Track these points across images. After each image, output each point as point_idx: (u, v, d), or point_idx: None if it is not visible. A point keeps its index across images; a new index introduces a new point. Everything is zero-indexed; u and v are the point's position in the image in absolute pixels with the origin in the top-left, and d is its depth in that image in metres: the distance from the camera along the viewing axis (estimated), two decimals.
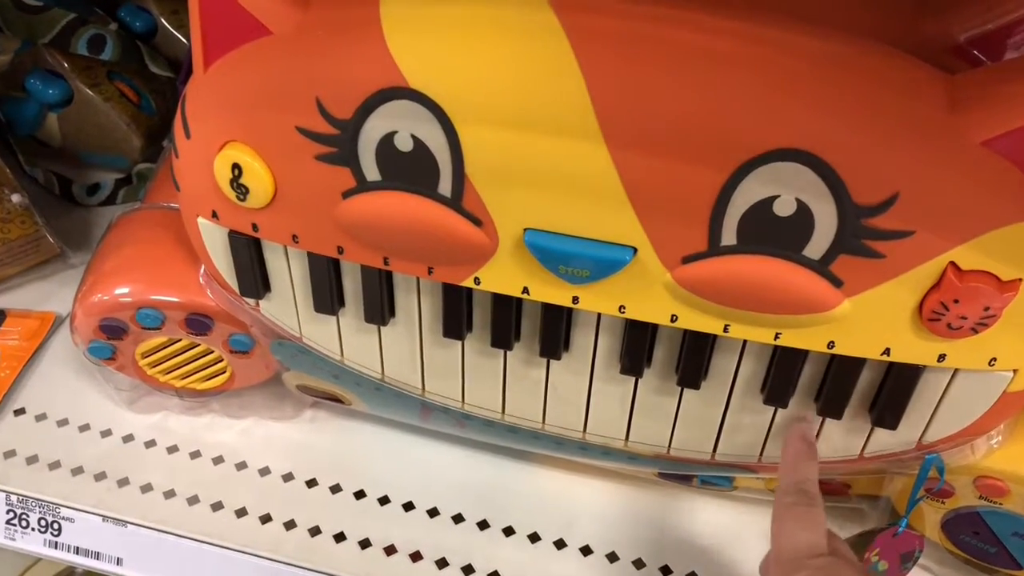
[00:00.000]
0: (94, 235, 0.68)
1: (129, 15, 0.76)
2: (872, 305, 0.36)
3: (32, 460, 0.53)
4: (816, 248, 0.35)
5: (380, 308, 0.45)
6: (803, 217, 0.34)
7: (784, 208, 0.34)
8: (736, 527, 0.51)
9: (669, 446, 0.47)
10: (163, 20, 0.76)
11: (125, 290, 0.49)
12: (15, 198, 0.63)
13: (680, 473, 0.50)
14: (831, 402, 0.41)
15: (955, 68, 0.35)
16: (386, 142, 0.37)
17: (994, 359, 0.38)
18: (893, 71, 0.35)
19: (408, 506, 0.52)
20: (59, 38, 0.70)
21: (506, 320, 0.43)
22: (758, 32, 0.34)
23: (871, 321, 0.37)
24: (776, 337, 0.38)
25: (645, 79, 0.34)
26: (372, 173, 0.38)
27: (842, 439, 0.44)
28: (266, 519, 0.51)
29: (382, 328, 0.46)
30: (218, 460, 0.54)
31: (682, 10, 0.35)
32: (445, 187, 0.38)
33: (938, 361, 0.38)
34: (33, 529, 0.52)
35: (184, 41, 0.75)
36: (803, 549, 0.38)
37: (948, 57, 0.39)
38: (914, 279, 0.35)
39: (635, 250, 0.37)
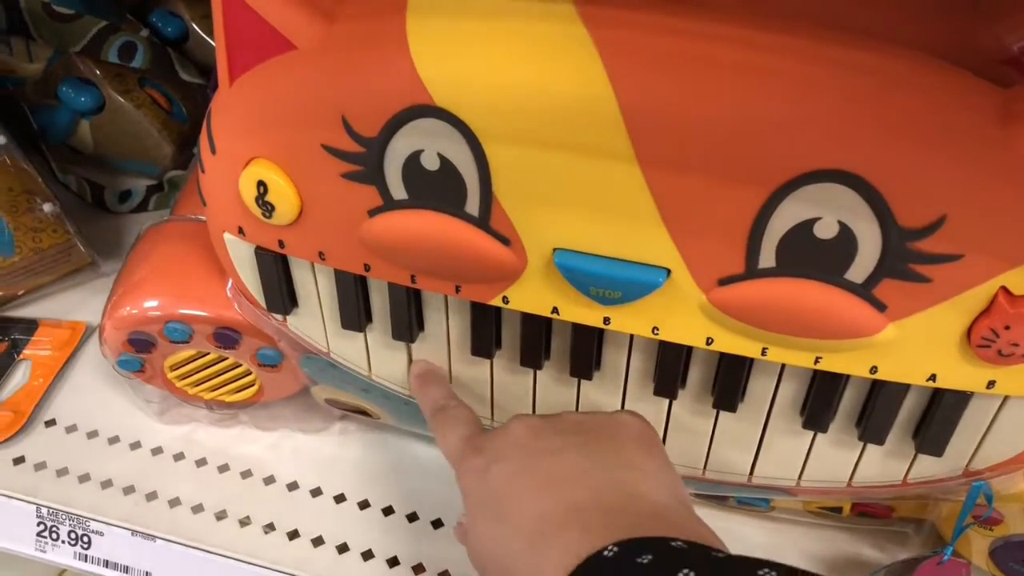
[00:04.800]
0: (125, 243, 0.68)
1: (160, 20, 0.76)
2: (918, 330, 0.35)
3: (62, 472, 0.53)
4: (859, 272, 0.34)
5: (408, 325, 0.44)
6: (845, 240, 0.33)
7: (826, 231, 0.33)
8: (774, 548, 0.50)
9: (704, 468, 0.45)
10: (194, 25, 0.76)
11: (153, 304, 0.49)
12: (47, 207, 0.62)
13: (715, 494, 0.49)
14: (873, 428, 0.40)
15: (1009, 80, 0.33)
16: (412, 161, 0.36)
17: None
18: (941, 85, 0.33)
19: (436, 523, 0.51)
20: (90, 46, 0.70)
21: (536, 339, 0.42)
22: (798, 46, 0.33)
23: (916, 347, 0.35)
24: (816, 361, 0.37)
25: (679, 96, 0.33)
26: (398, 192, 0.38)
27: (885, 464, 0.42)
28: (294, 535, 0.51)
29: (410, 344, 0.46)
30: (246, 474, 0.54)
31: (718, 24, 0.33)
32: (472, 206, 0.37)
33: (987, 388, 0.36)
34: (63, 542, 0.52)
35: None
36: (460, 446, 0.39)
37: (1002, 68, 0.37)
38: (962, 304, 0.34)
39: (669, 272, 0.36)
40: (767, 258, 0.34)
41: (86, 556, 0.52)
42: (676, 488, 0.36)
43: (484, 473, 0.37)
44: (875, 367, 0.37)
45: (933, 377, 0.36)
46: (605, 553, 0.30)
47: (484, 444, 0.38)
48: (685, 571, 0.28)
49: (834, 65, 0.33)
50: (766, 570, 0.27)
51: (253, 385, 0.53)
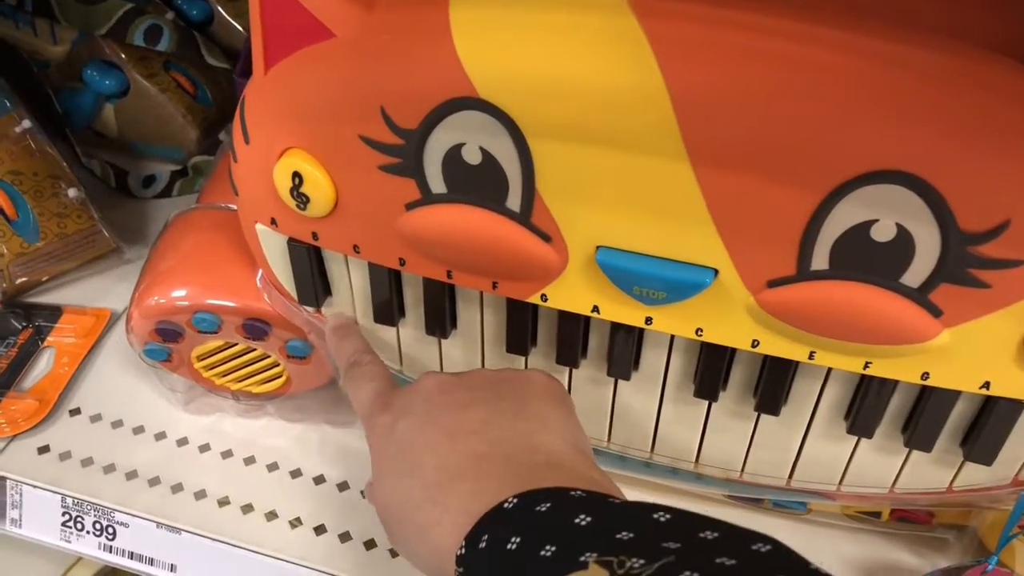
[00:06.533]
0: (149, 229, 0.67)
1: (186, 3, 0.74)
2: (973, 337, 0.34)
3: (87, 462, 0.53)
4: (915, 276, 0.33)
5: (442, 321, 0.43)
6: (903, 243, 0.32)
7: (883, 233, 0.32)
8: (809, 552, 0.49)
9: (742, 470, 0.44)
10: (220, 8, 0.75)
11: (182, 293, 0.48)
12: (71, 192, 0.62)
13: (751, 496, 0.48)
14: (921, 434, 0.39)
15: None
16: (453, 154, 0.35)
17: None
18: (1005, 84, 0.32)
19: None
20: (116, 28, 0.69)
21: (573, 338, 0.41)
22: (857, 42, 0.32)
23: (971, 353, 0.34)
24: (866, 366, 0.36)
25: (734, 92, 0.31)
26: (438, 185, 0.37)
27: (930, 471, 0.41)
28: (321, 530, 0.50)
29: (443, 340, 0.45)
30: (273, 467, 0.53)
31: (775, 18, 0.32)
32: (514, 202, 0.36)
33: None
34: (88, 532, 0.51)
35: (241, 30, 0.74)
36: (370, 401, 0.39)
37: None
38: (1022, 311, 0.33)
39: (716, 272, 0.35)
40: (820, 260, 0.33)
41: (111, 547, 0.51)
42: (577, 439, 0.37)
43: (390, 428, 0.37)
44: (927, 373, 0.36)
45: (987, 384, 0.35)
46: (506, 505, 0.31)
47: (393, 400, 0.39)
48: (582, 516, 0.28)
49: (895, 62, 0.31)
50: (661, 513, 0.28)
51: (281, 377, 0.52)
